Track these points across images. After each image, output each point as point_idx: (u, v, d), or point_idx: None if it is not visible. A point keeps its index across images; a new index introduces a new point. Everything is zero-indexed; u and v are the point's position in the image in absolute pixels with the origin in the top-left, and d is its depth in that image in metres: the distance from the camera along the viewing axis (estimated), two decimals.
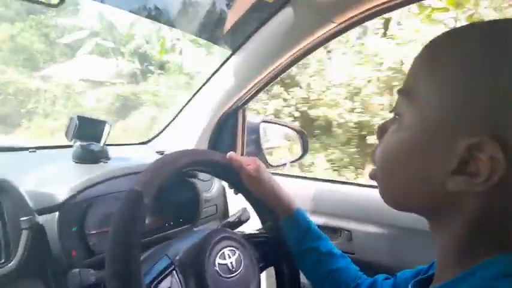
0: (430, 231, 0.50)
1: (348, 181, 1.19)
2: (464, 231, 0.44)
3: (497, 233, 0.43)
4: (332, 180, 1.26)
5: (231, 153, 0.85)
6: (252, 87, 1.24)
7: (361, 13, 0.98)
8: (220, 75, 1.25)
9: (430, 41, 0.47)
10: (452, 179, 0.42)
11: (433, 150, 0.43)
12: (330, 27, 1.04)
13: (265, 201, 0.87)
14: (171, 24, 1.45)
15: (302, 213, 0.86)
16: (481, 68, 0.40)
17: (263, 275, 0.89)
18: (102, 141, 1.01)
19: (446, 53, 0.44)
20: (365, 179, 5.50)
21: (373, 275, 0.79)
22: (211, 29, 1.26)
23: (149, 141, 1.43)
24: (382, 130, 0.53)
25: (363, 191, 1.16)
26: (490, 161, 0.38)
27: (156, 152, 1.28)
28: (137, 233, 0.64)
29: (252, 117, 1.42)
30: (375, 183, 0.54)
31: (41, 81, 9.81)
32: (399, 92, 0.49)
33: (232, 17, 1.18)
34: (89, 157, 1.01)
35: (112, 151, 1.10)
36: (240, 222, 1.01)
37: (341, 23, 1.03)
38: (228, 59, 1.21)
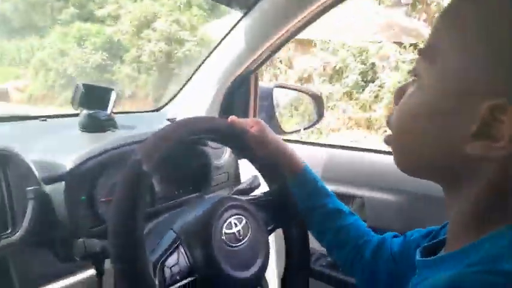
0: (444, 198, 0.48)
1: (360, 147, 1.15)
2: (481, 198, 0.42)
3: None
4: (343, 146, 1.22)
5: (232, 117, 0.83)
6: (264, 50, 1.19)
7: None
8: (231, 38, 1.20)
9: None
10: (472, 143, 0.40)
11: (453, 112, 0.41)
12: None
13: (271, 161, 0.85)
14: None
15: (309, 170, 0.84)
16: (506, 26, 0.37)
17: (272, 238, 0.88)
18: (109, 109, 0.99)
19: (469, 9, 0.41)
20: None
21: None
22: None
23: (161, 108, 1.41)
24: (399, 93, 0.51)
25: (376, 156, 1.12)
26: None
27: (167, 119, 1.26)
28: (139, 208, 0.63)
29: (265, 83, 1.38)
30: (387, 148, 0.53)
31: None
32: (419, 51, 0.46)
33: None
34: (96, 126, 0.99)
35: (121, 119, 1.09)
36: (250, 189, 0.99)
37: None
38: (239, 21, 1.16)
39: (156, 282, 0.64)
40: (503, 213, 0.41)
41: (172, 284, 0.68)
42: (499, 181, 0.41)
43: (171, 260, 0.69)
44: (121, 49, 9.93)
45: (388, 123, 0.52)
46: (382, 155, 1.11)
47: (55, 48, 10.34)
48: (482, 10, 0.39)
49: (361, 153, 1.15)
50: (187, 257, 0.72)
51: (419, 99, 0.45)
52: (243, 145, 0.84)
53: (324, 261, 1.11)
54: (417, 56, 0.47)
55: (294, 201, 0.84)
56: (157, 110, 1.40)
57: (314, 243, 0.85)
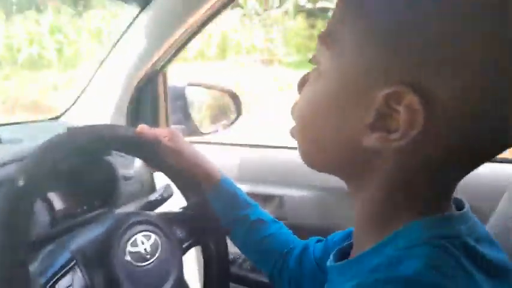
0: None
1: (273, 145, 1.13)
2: (381, 194, 0.39)
3: (417, 196, 0.39)
4: (259, 145, 1.18)
5: (142, 126, 0.75)
6: (170, 47, 1.11)
7: None
8: (129, 36, 1.10)
9: None
10: (368, 135, 0.37)
11: (349, 102, 0.38)
12: None
13: (188, 174, 0.78)
14: None
15: (228, 181, 0.79)
16: (399, 11, 0.35)
17: (189, 256, 0.82)
18: None
19: None
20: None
21: (308, 238, 0.75)
22: None
23: (60, 116, 1.27)
24: (302, 82, 0.47)
25: (292, 153, 1.10)
26: (408, 113, 0.34)
27: (68, 128, 1.13)
28: (20, 230, 0.56)
29: (176, 82, 1.30)
30: None
31: None
32: (318, 37, 0.42)
33: None
34: None
35: (8, 132, 0.96)
36: (162, 200, 0.92)
37: None
38: (136, 17, 1.07)
39: None
40: (408, 210, 0.39)
41: None
42: (398, 176, 0.38)
43: (64, 282, 0.63)
44: None
45: (292, 114, 0.47)
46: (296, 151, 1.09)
47: None
48: None
49: (275, 150, 1.13)
50: (85, 279, 0.64)
51: (318, 87, 0.42)
52: (155, 156, 0.77)
53: (248, 265, 1.08)
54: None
55: (214, 216, 0.79)
56: (56, 118, 1.26)
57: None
